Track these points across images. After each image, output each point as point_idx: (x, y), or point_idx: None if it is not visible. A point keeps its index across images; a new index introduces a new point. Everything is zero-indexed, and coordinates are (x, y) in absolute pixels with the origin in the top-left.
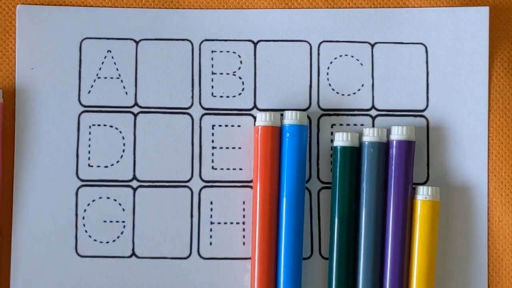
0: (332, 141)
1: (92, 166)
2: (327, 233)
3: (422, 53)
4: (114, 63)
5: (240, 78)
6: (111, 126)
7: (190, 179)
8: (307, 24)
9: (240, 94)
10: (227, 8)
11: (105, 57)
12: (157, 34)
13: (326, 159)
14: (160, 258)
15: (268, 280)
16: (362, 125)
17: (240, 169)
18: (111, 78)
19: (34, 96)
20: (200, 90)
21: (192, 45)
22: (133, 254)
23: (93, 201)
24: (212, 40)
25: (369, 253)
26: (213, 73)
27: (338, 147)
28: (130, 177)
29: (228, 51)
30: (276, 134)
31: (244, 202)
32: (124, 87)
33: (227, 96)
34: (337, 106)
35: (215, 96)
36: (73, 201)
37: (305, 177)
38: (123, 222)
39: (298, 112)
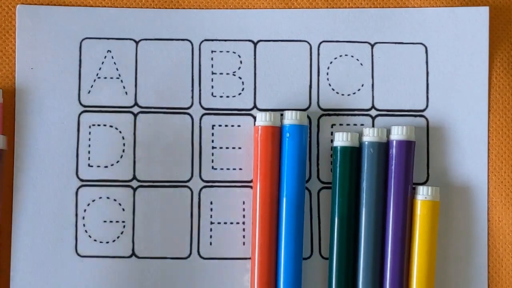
0: (332, 141)
1: (92, 166)
2: (327, 233)
3: (422, 53)
4: (114, 63)
5: (240, 78)
6: (111, 126)
7: (190, 179)
8: (307, 24)
9: (240, 94)
10: (227, 8)
11: (105, 57)
12: (157, 34)
13: (326, 159)
14: (160, 258)
15: (268, 280)
16: (362, 125)
17: (240, 169)
18: (111, 78)
19: (34, 96)
20: (200, 90)
21: (192, 45)
22: (133, 254)
23: (93, 201)
24: (212, 40)
25: (369, 253)
26: (213, 73)
27: (338, 147)
28: (130, 177)
29: (228, 51)
30: (276, 134)
31: (244, 202)
32: (124, 87)
33: (227, 96)
34: (337, 106)
35: (215, 96)
36: (73, 201)
37: (305, 177)
38: (123, 222)
39: (298, 112)
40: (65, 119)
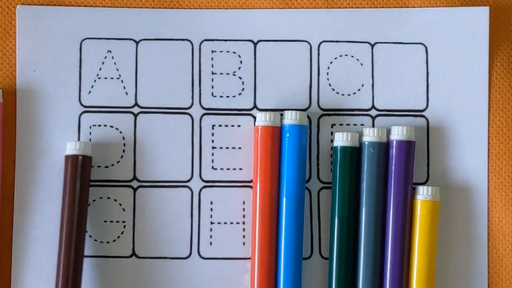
0: (332, 141)
1: (92, 166)
2: (327, 233)
3: (422, 53)
4: (114, 63)
5: (240, 78)
6: (111, 126)
7: (190, 179)
8: (307, 24)
9: (240, 94)
10: (227, 8)
11: (105, 57)
12: (157, 34)
13: (326, 159)
14: (160, 258)
15: (268, 280)
16: (362, 125)
17: (240, 169)
18: (111, 78)
19: (35, 96)
20: (200, 90)
21: (192, 45)
22: (133, 254)
23: (94, 201)
24: (212, 40)
25: (369, 253)
26: (213, 73)
27: (338, 147)
28: (130, 177)
29: (228, 51)
30: (276, 134)
31: (244, 202)
32: (124, 87)
33: (227, 96)
34: (337, 106)
35: (215, 96)
36: None
37: (305, 177)
38: (123, 222)
39: (298, 112)
40: (65, 119)
